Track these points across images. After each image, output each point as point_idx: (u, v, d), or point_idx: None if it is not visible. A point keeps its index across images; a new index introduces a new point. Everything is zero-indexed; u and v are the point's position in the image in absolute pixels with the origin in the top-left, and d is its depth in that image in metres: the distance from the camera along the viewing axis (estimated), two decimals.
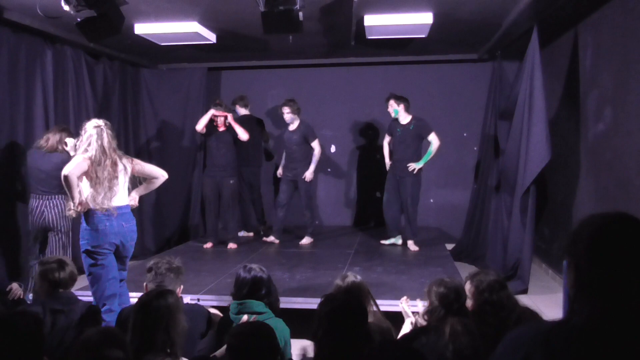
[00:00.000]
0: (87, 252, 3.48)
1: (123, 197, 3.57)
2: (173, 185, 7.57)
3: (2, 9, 4.66)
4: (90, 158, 3.37)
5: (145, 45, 5.89)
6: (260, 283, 2.81)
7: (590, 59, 4.92)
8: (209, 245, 6.16)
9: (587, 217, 1.21)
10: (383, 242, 6.18)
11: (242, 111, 6.86)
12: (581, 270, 1.16)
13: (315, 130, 6.39)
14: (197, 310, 3.02)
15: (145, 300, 2.24)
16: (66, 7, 4.04)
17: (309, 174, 6.10)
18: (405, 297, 3.16)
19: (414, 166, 5.72)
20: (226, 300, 3.64)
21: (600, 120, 4.66)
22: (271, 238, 6.29)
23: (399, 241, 6.15)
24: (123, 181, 3.56)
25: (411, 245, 5.95)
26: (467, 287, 2.58)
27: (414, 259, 5.32)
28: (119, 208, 3.50)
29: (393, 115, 5.88)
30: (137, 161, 3.72)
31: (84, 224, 3.50)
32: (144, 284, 2.93)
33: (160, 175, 3.77)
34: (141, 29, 5.32)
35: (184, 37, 5.51)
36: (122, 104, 7.04)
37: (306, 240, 6.23)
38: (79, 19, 4.25)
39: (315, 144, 6.15)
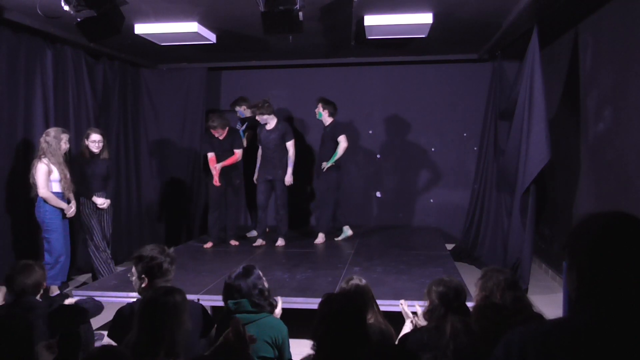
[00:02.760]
0: None
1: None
2: (173, 185, 7.61)
3: (2, 9, 4.67)
4: None
5: (145, 45, 5.89)
6: (231, 288, 2.74)
7: (590, 59, 4.92)
8: (209, 245, 6.15)
9: (586, 217, 1.19)
10: (337, 239, 6.40)
11: (248, 113, 6.75)
12: (583, 270, 1.14)
13: (315, 130, 6.39)
14: (191, 306, 2.93)
15: (153, 297, 2.18)
16: (66, 7, 4.05)
17: (289, 178, 6.04)
18: (403, 300, 3.17)
19: (324, 164, 6.13)
20: None
21: (600, 120, 4.66)
22: (259, 241, 6.22)
23: (349, 232, 6.47)
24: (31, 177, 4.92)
25: (320, 237, 6.23)
26: (478, 282, 2.58)
27: (414, 259, 5.32)
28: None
29: (318, 117, 6.25)
30: (36, 168, 4.88)
31: None
32: (143, 277, 2.74)
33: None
34: (141, 29, 5.32)
35: (184, 37, 5.50)
36: (122, 104, 7.04)
37: (281, 242, 6.12)
38: (79, 19, 4.25)
39: (290, 145, 6.04)
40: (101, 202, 5.44)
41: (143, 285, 2.72)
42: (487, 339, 2.18)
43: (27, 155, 5.33)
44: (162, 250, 2.81)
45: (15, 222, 5.21)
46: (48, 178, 4.90)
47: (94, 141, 5.32)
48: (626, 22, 4.15)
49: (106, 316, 4.10)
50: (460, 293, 2.46)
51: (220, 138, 5.99)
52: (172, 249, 2.95)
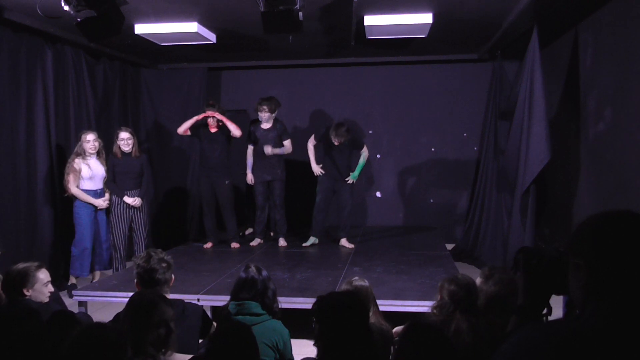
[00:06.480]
0: None
1: None
2: (173, 185, 7.61)
3: (2, 9, 4.67)
4: None
5: (145, 45, 5.89)
6: (247, 284, 2.75)
7: (590, 59, 4.92)
8: (209, 245, 6.15)
9: (593, 216, 1.15)
10: (305, 244, 6.09)
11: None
12: (593, 270, 1.10)
13: (317, 130, 6.37)
14: (191, 308, 2.95)
15: (136, 300, 2.22)
16: (66, 7, 4.04)
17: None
18: None
19: (351, 180, 6.03)
20: (226, 301, 3.63)
21: (600, 120, 4.66)
22: (256, 241, 6.25)
23: (317, 241, 6.16)
24: None
25: (345, 242, 6.07)
26: (478, 281, 2.57)
27: (414, 259, 5.32)
28: None
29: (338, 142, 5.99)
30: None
31: None
32: (137, 282, 2.83)
33: None
34: (141, 29, 5.32)
35: (184, 37, 5.50)
36: (122, 104, 7.04)
37: (283, 242, 6.16)
38: (79, 19, 4.25)
39: (288, 144, 6.06)
40: (131, 200, 5.56)
41: (137, 289, 2.81)
42: (493, 335, 2.18)
43: (28, 154, 5.34)
44: (157, 258, 2.81)
45: (15, 220, 5.21)
46: (76, 176, 5.27)
47: (123, 139, 5.52)
48: (626, 22, 4.15)
49: (106, 317, 4.11)
50: (470, 292, 2.43)
51: (212, 130, 5.94)
52: (168, 254, 2.93)
